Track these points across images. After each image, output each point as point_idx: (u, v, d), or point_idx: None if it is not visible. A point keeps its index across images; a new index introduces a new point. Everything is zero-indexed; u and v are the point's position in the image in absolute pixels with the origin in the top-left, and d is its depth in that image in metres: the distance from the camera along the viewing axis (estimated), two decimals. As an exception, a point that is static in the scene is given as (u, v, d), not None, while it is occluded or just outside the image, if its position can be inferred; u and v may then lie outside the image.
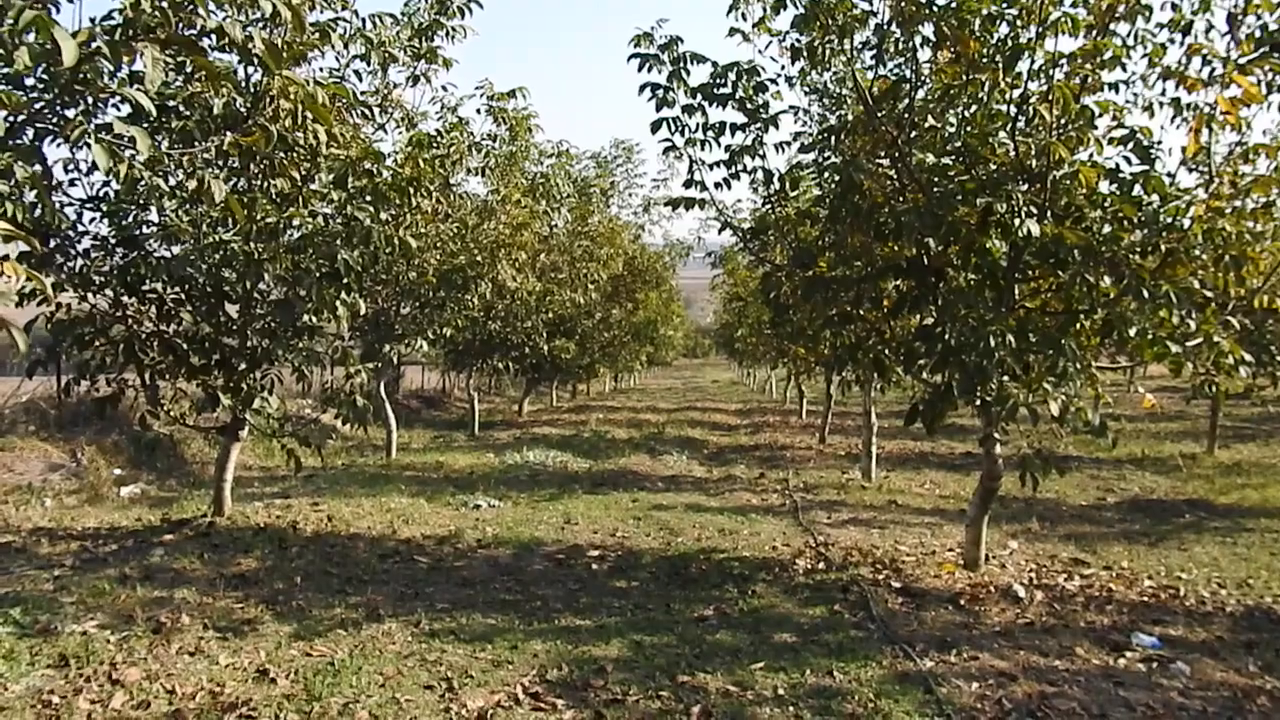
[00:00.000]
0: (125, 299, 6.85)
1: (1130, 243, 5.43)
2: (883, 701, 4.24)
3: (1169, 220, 5.33)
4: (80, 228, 6.77)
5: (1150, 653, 4.96)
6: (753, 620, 5.51)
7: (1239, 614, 5.74)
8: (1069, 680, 4.54)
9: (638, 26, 6.34)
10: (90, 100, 5.09)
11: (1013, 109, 5.61)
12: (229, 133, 5.69)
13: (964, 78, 5.66)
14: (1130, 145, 5.57)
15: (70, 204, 6.63)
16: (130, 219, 6.83)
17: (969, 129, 5.92)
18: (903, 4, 5.55)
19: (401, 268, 11.13)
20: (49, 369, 8.40)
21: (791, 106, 7.02)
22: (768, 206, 7.48)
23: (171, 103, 6.05)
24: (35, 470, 9.58)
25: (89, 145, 3.61)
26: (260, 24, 5.90)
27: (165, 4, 4.03)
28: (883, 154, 6.21)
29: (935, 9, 5.47)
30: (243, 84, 6.35)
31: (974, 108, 5.91)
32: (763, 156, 6.62)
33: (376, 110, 8.82)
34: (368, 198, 7.15)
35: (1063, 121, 5.45)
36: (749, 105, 6.40)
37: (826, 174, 6.91)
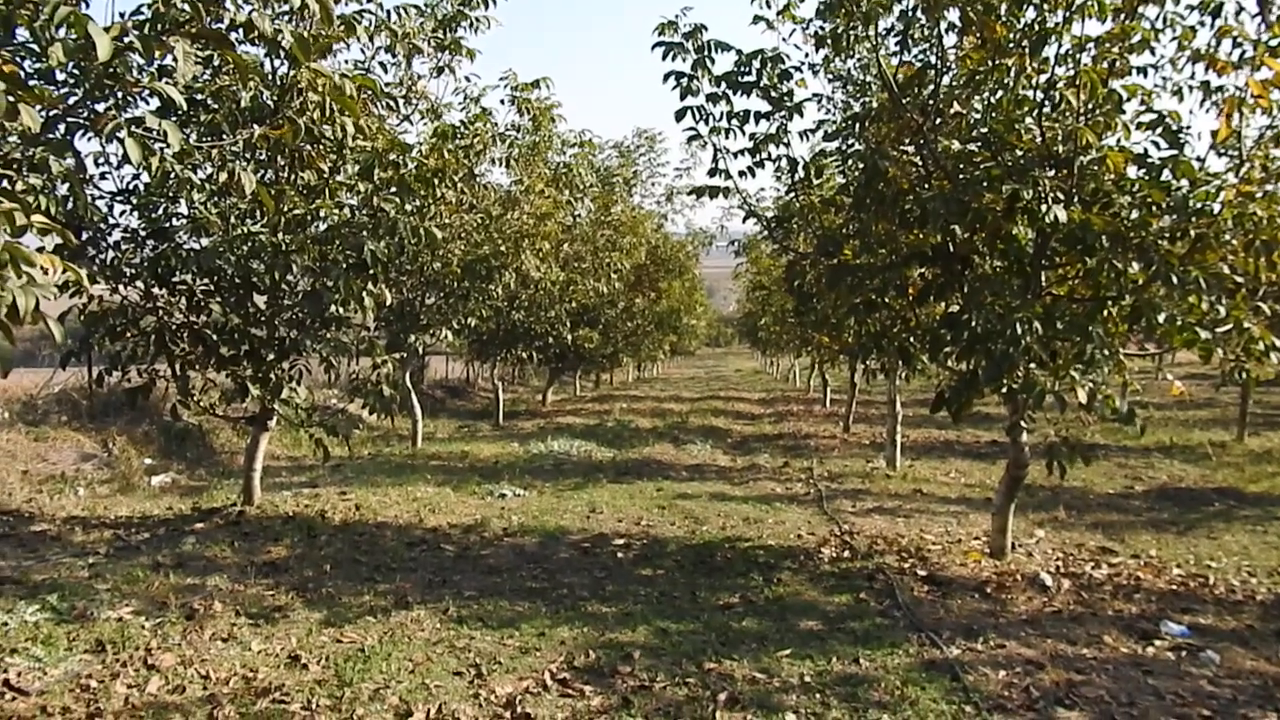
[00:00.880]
0: (156, 290, 6.97)
1: (1159, 228, 5.38)
2: (909, 689, 4.24)
3: (1198, 205, 5.26)
4: (111, 220, 6.91)
5: (1179, 641, 4.93)
6: (778, 608, 5.52)
7: (1269, 602, 5.69)
8: (1097, 668, 4.53)
9: (662, 15, 6.34)
10: (120, 95, 5.17)
11: (1039, 94, 5.57)
12: (257, 125, 5.76)
13: (990, 63, 5.63)
14: (1159, 130, 5.53)
15: (101, 197, 6.75)
16: (160, 211, 6.94)
17: (995, 115, 5.89)
18: (928, -11, 5.53)
19: (426, 258, 11.16)
20: (81, 360, 8.54)
21: (816, 94, 7.05)
22: (792, 195, 7.47)
23: (200, 96, 6.13)
24: (68, 460, 9.74)
25: (121, 139, 3.65)
26: (287, 17, 5.97)
27: (195, -2, 4.07)
28: (908, 141, 6.19)
29: (961, -7, 5.44)
30: (270, 77, 6.42)
31: (1000, 93, 5.87)
32: (787, 144, 6.62)
33: (401, 102, 8.88)
34: (393, 189, 7.22)
35: (1090, 106, 5.41)
36: (773, 93, 6.39)
37: (851, 161, 6.89)
